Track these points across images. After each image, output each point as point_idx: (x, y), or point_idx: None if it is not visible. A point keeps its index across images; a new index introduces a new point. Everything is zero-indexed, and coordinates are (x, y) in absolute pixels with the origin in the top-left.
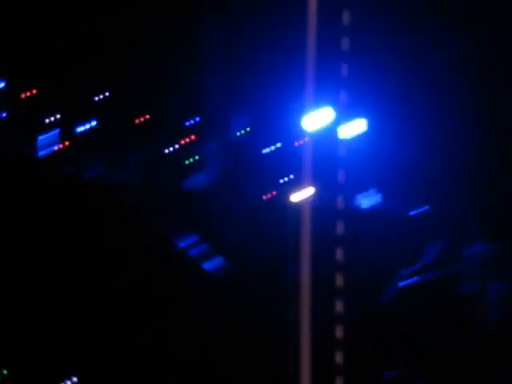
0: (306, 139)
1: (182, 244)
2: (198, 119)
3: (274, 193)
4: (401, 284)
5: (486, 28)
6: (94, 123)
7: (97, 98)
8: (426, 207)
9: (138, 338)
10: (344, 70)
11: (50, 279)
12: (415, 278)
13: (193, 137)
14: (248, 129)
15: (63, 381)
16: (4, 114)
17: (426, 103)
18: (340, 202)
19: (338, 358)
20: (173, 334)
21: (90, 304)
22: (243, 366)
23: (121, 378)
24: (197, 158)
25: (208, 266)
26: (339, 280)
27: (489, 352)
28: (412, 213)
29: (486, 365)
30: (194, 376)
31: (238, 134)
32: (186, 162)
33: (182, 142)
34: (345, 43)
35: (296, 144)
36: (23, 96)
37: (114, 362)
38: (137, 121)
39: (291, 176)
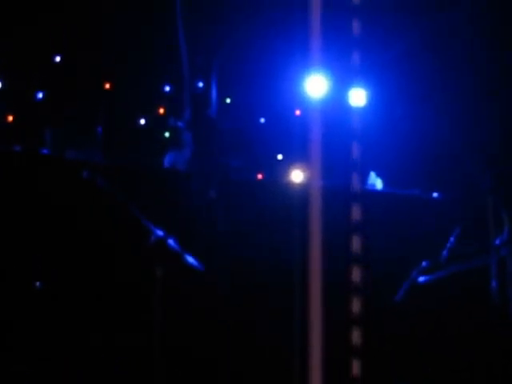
0: (311, 107)
1: (161, 233)
2: (169, 88)
3: (261, 176)
4: (422, 279)
5: None
6: (41, 94)
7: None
8: (450, 191)
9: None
10: (355, 28)
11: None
12: (438, 272)
13: (161, 110)
14: (228, 100)
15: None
16: None
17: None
18: (355, 182)
19: (355, 367)
20: (175, 333)
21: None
22: (247, 367)
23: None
24: (169, 133)
25: (192, 260)
26: (355, 274)
27: None
28: (435, 197)
29: None
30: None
31: (228, 101)
32: (162, 135)
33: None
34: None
35: (297, 113)
36: None
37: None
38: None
39: (292, 152)
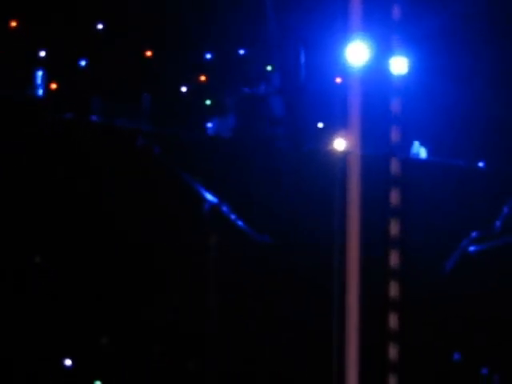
0: (351, 75)
1: (215, 200)
2: (211, 56)
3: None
4: (471, 249)
5: None
6: (84, 62)
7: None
8: (497, 162)
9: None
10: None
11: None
12: (489, 242)
13: (202, 78)
14: (270, 67)
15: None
16: None
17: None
18: (395, 137)
19: (392, 351)
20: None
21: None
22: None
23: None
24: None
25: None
26: (394, 257)
27: None
28: (482, 167)
29: None
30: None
31: (269, 69)
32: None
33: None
34: None
35: (338, 81)
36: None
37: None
38: (138, 58)
39: (332, 120)
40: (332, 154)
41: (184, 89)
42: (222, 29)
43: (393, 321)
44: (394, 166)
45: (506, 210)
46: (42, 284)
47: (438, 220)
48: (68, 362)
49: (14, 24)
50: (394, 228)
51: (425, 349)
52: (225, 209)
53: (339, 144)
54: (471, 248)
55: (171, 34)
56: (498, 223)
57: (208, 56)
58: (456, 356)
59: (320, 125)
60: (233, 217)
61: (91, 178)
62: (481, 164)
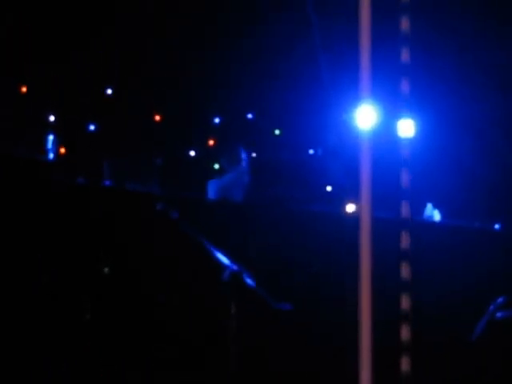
0: (360, 138)
1: (236, 268)
2: (218, 120)
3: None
4: (498, 315)
5: None
6: (92, 127)
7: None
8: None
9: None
10: (404, 55)
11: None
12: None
13: (211, 142)
14: (278, 131)
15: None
16: None
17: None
18: (405, 210)
19: None
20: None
21: None
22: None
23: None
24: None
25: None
26: (405, 302)
27: None
28: (498, 229)
29: None
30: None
31: (277, 133)
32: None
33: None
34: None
35: (346, 144)
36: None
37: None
38: (146, 123)
39: (339, 183)
40: (345, 216)
41: (192, 153)
42: (229, 93)
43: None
44: (405, 241)
45: None
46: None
47: (459, 286)
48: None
49: (24, 89)
50: (406, 302)
51: None
52: (245, 276)
53: (350, 208)
54: (498, 314)
55: (180, 98)
56: None
57: (216, 120)
58: None
59: (328, 188)
60: (253, 284)
61: (105, 244)
62: (497, 226)
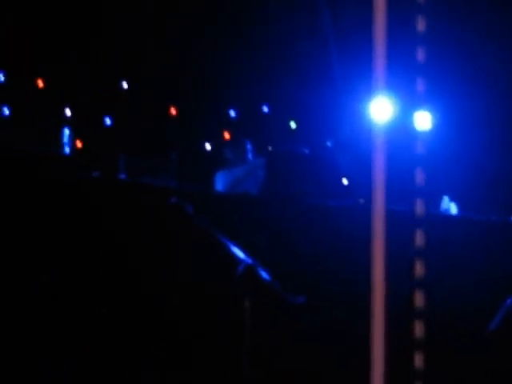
0: (375, 131)
1: (250, 261)
2: (234, 113)
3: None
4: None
5: None
6: (109, 120)
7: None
8: None
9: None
10: (420, 54)
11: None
12: None
13: (226, 135)
14: (293, 124)
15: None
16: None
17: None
18: (419, 207)
19: None
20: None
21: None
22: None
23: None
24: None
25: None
26: (418, 300)
27: None
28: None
29: None
30: None
31: (293, 126)
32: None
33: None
34: (421, 25)
35: (364, 137)
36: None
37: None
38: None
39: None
40: (358, 208)
41: (208, 146)
42: (244, 87)
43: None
44: (419, 239)
45: None
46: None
47: (476, 280)
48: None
49: (40, 84)
50: (419, 299)
51: None
52: (260, 270)
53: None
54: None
55: (196, 91)
56: None
57: (232, 113)
58: None
59: (345, 181)
60: (268, 278)
61: (119, 237)
62: None
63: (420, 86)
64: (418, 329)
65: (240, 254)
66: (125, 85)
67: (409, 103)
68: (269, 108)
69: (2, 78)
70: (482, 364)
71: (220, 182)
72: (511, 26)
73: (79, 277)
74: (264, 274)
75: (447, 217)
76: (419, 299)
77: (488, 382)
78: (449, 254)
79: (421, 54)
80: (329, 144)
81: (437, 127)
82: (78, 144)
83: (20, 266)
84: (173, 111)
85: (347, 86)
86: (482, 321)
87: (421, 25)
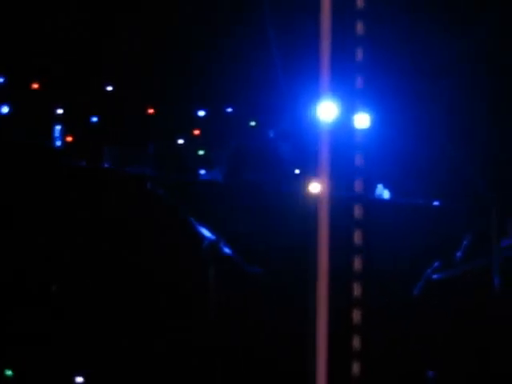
0: (321, 128)
1: (213, 237)
2: (203, 113)
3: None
4: (433, 277)
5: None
6: (95, 118)
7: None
8: (455, 200)
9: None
10: (359, 55)
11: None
12: (447, 272)
13: (197, 131)
14: (253, 123)
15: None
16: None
17: (441, 97)
18: (358, 186)
19: (356, 367)
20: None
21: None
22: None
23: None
24: (202, 152)
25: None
26: (357, 266)
27: None
28: (441, 205)
29: None
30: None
31: (251, 124)
32: (200, 152)
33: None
34: (360, 29)
35: (311, 134)
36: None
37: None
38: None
39: (305, 167)
40: (306, 195)
41: (181, 141)
42: (212, 90)
43: (356, 342)
44: (358, 211)
45: (465, 242)
46: None
47: (404, 252)
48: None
49: (35, 86)
50: (358, 263)
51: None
52: (222, 245)
53: (313, 187)
54: (434, 276)
55: (170, 94)
56: (458, 254)
57: (201, 113)
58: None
59: (297, 171)
60: (229, 252)
61: (104, 219)
62: (436, 203)
63: (359, 84)
64: (356, 289)
65: (205, 231)
66: (109, 88)
67: (350, 104)
68: (233, 109)
69: (1, 80)
70: (409, 321)
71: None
72: (449, 28)
73: (58, 251)
74: (226, 249)
75: (380, 200)
76: (358, 263)
77: (414, 335)
78: (381, 230)
79: (359, 55)
80: (272, 135)
81: (374, 124)
82: (69, 138)
83: None
84: (150, 111)
85: (292, 89)
86: (408, 284)
87: (360, 29)
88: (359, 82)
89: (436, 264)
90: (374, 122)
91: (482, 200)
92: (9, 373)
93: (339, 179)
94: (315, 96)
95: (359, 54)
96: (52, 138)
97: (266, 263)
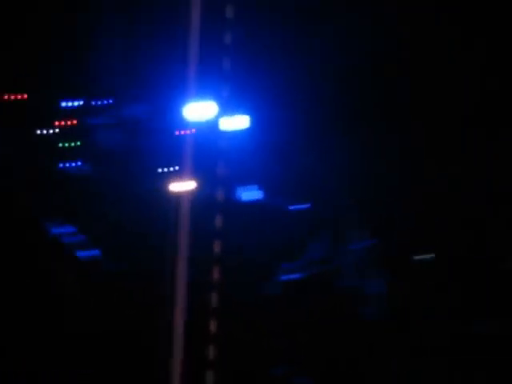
0: (189, 130)
1: (56, 232)
2: (80, 102)
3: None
4: (283, 278)
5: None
6: None
7: None
8: (309, 203)
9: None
10: (226, 63)
11: None
12: (297, 274)
13: (74, 121)
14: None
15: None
16: None
17: (311, 99)
18: (220, 195)
19: (212, 350)
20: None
21: None
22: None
23: None
24: (77, 143)
25: (82, 255)
26: (216, 271)
27: (368, 347)
28: (294, 208)
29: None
30: None
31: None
32: (62, 145)
33: (59, 124)
34: (228, 37)
35: (177, 134)
36: None
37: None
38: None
39: (172, 167)
40: (169, 193)
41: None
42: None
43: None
44: (218, 222)
45: (311, 246)
46: None
47: (257, 252)
48: None
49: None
50: (217, 248)
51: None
52: (67, 237)
53: (175, 186)
54: (282, 277)
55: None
56: (305, 257)
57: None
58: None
59: (159, 169)
60: (77, 244)
61: None
62: (307, 205)
63: (226, 91)
64: (216, 272)
65: (49, 223)
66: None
67: (221, 108)
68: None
69: None
70: (263, 315)
71: None
72: (316, 39)
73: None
74: (74, 241)
75: (241, 201)
76: (217, 247)
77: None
78: (238, 231)
79: (226, 64)
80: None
81: (251, 128)
82: None
83: None
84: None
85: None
86: (258, 284)
87: (227, 38)
88: (228, 86)
89: (284, 266)
90: (251, 125)
91: (338, 206)
92: None
93: (203, 178)
94: (185, 97)
95: (225, 63)
96: None
97: (126, 258)
